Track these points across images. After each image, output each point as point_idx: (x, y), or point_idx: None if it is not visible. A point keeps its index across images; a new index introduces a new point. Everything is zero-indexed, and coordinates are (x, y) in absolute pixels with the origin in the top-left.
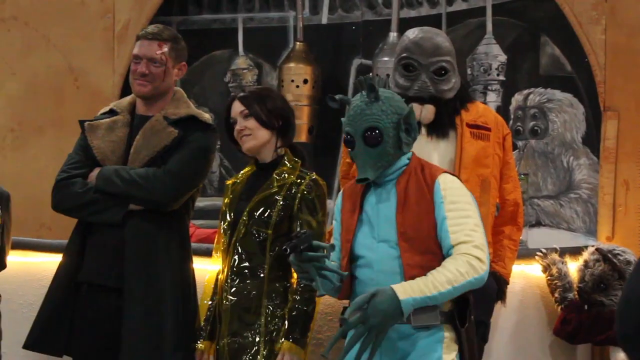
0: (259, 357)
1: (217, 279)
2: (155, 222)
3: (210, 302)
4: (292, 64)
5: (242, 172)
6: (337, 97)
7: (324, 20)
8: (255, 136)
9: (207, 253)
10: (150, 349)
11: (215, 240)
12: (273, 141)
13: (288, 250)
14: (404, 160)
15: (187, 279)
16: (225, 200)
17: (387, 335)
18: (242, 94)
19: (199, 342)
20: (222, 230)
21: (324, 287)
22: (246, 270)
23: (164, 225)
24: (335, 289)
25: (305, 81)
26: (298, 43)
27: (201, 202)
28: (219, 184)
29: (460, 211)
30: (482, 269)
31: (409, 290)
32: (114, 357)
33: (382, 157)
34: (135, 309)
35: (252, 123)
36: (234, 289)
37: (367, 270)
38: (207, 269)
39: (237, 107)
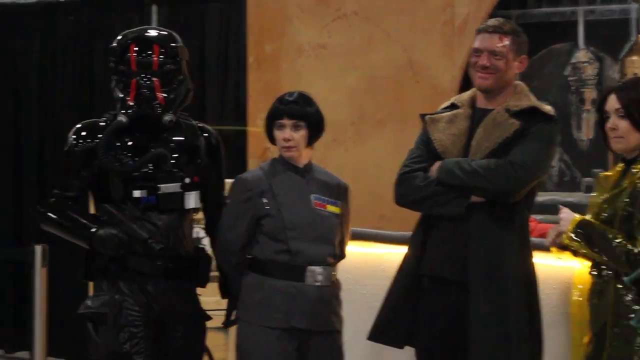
0: None
1: None
2: (496, 214)
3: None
4: (634, 57)
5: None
6: None
7: None
8: (626, 139)
9: (547, 248)
10: (498, 342)
11: None
12: None
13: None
14: None
15: (530, 273)
16: (595, 195)
17: None
18: (620, 87)
19: None
20: None
21: None
22: None
23: (505, 217)
24: None
25: None
26: None
27: (540, 197)
28: (558, 178)
29: None
30: None
31: None
32: (455, 351)
33: None
34: (481, 303)
35: (625, 125)
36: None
37: None
38: (547, 264)
39: (613, 103)
